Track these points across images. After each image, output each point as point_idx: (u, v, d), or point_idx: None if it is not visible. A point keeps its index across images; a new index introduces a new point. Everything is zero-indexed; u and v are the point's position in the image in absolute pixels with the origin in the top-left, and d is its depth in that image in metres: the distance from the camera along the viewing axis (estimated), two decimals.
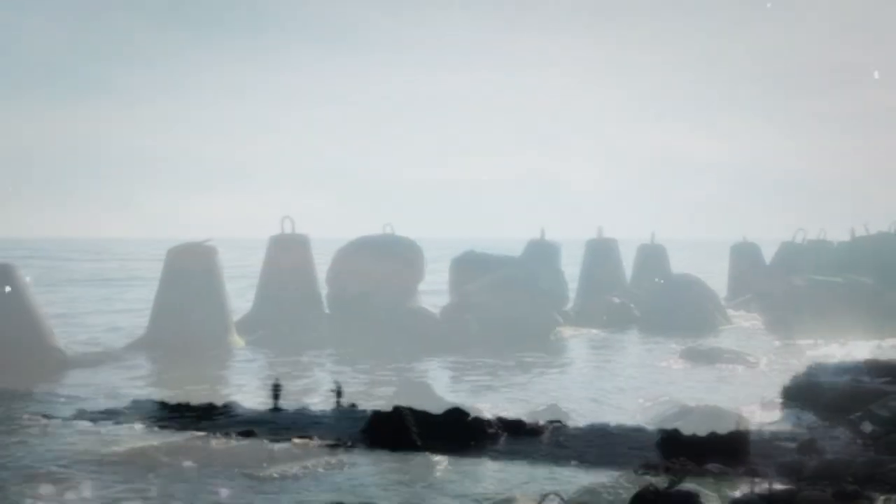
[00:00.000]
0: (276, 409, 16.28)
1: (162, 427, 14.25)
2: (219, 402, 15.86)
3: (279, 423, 14.82)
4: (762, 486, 9.76)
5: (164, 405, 16.17)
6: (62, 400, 16.65)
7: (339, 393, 16.36)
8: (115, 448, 12.28)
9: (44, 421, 14.95)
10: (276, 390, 16.58)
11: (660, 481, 9.64)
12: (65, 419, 15.00)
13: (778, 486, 9.74)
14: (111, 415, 15.61)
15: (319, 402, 16.47)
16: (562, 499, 8.79)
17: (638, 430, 13.83)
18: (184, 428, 14.19)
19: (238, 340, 25.49)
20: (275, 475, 11.03)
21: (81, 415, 15.52)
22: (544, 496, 8.92)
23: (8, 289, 20.79)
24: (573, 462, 12.13)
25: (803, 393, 15.99)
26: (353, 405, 16.26)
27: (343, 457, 11.98)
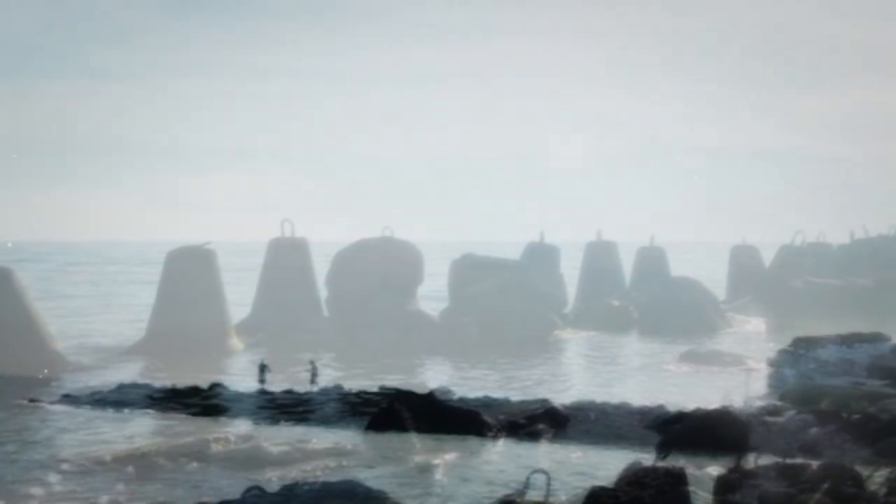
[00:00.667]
0: (263, 391, 16.41)
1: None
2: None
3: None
4: (747, 462, 9.81)
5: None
6: (61, 401, 16.67)
7: (314, 372, 16.53)
8: (115, 450, 12.29)
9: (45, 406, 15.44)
10: (263, 371, 16.69)
11: (648, 458, 9.72)
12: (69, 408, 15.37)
13: (762, 462, 9.80)
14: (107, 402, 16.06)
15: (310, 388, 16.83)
16: (547, 476, 8.84)
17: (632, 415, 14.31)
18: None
19: (237, 343, 25.49)
20: (274, 479, 11.04)
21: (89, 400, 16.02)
22: (531, 473, 8.98)
23: None
24: (567, 442, 12.44)
25: (803, 395, 16.00)
26: (338, 385, 16.52)
27: (343, 459, 12.01)
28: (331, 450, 12.51)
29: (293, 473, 11.35)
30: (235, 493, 10.25)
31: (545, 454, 12.45)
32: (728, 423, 12.56)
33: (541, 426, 13.86)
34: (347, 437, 13.36)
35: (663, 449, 11.28)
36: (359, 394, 16.17)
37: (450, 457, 12.06)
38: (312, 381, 16.51)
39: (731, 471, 9.63)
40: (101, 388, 17.29)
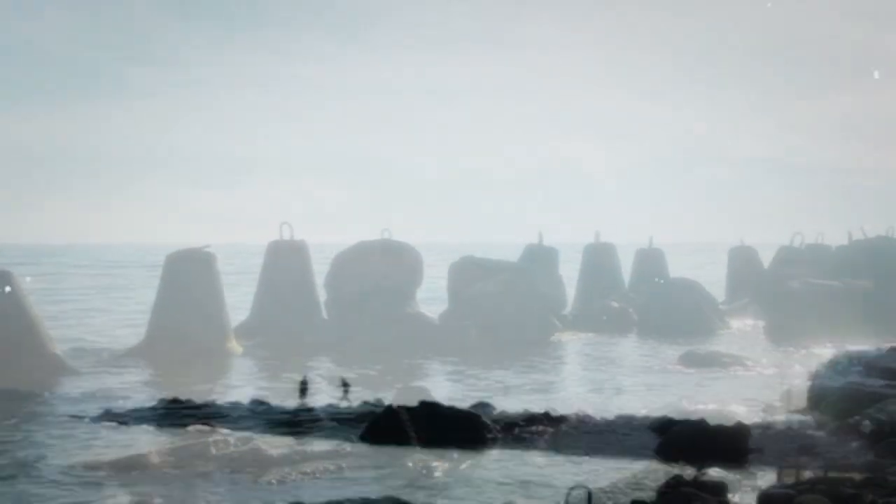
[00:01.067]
0: (303, 406, 16.39)
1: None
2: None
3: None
4: (789, 474, 9.79)
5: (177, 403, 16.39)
6: (60, 405, 16.66)
7: (345, 387, 16.53)
8: (117, 454, 12.29)
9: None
10: (304, 386, 16.71)
11: (686, 471, 9.70)
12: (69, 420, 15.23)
13: (806, 474, 9.77)
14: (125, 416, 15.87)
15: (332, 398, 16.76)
16: (589, 490, 8.83)
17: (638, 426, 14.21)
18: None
19: (236, 347, 25.46)
20: (273, 480, 11.06)
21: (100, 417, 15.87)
22: (571, 488, 8.97)
23: (8, 288, 20.82)
24: (586, 454, 12.38)
25: (802, 396, 15.99)
26: (378, 400, 16.54)
27: (341, 461, 12.01)
28: (329, 452, 12.53)
29: (293, 475, 11.36)
30: (236, 494, 10.28)
31: (549, 460, 12.39)
32: (728, 428, 12.55)
33: (539, 428, 13.86)
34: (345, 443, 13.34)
35: (662, 453, 11.22)
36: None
37: (449, 462, 12.02)
38: (344, 397, 16.51)
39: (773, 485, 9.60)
40: (142, 406, 16.88)
